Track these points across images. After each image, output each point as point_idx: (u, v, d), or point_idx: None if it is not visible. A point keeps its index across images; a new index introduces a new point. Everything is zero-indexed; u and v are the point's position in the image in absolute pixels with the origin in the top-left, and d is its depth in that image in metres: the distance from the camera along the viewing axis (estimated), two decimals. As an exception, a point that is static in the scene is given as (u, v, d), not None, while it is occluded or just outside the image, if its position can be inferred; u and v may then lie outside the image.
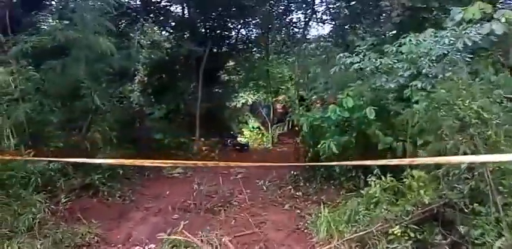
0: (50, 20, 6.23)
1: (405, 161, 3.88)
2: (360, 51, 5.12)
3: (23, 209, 4.51)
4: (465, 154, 4.66)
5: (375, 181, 5.04)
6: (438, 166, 5.11)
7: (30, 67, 6.10)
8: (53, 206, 5.00)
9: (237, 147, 12.62)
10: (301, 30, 13.77)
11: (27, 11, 7.12)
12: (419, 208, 4.60)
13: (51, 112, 6.49)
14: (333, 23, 13.40)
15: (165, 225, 5.41)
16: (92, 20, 6.26)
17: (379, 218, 4.53)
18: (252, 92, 15.61)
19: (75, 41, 6.21)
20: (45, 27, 6.00)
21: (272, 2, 13.97)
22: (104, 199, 6.38)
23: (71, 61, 6.47)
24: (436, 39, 4.67)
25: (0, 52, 6.05)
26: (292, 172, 8.57)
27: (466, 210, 4.49)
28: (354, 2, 11.56)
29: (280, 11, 14.40)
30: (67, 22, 6.62)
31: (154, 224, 5.50)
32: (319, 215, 5.40)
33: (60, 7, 6.32)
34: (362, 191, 5.43)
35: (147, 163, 3.67)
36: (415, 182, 4.66)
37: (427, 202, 4.57)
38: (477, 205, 4.45)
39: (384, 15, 10.12)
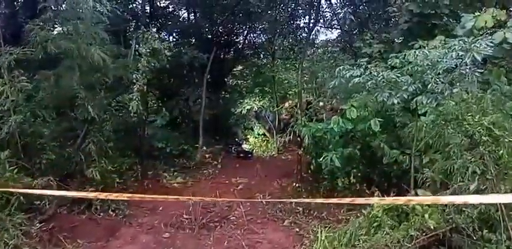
0: (43, 29, 6.02)
1: (401, 200, 3.53)
2: (361, 63, 4.80)
3: (-7, 237, 4.28)
4: (474, 173, 4.35)
5: (377, 202, 4.70)
6: (446, 186, 4.79)
7: (23, 77, 5.94)
8: (33, 227, 4.77)
9: (241, 155, 12.34)
10: (308, 35, 13.47)
11: (29, 19, 7.03)
12: (424, 233, 4.27)
13: (44, 124, 6.32)
14: (340, 28, 13.08)
15: (155, 246, 5.16)
16: (86, 29, 6.08)
17: (380, 244, 4.20)
18: (257, 98, 15.36)
19: (68, 51, 6.04)
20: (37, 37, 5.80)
21: (279, 7, 13.73)
22: (96, 213, 6.14)
23: (64, 72, 6.30)
24: (444, 50, 4.34)
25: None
26: (295, 184, 8.31)
27: (474, 236, 4.16)
28: (361, 7, 11.28)
29: (287, 15, 14.16)
30: (59, 31, 6.49)
31: (143, 245, 5.24)
32: (318, 235, 5.09)
33: (49, 17, 6.11)
34: (364, 211, 5.10)
35: (112, 197, 3.42)
36: (419, 205, 4.32)
37: (432, 227, 4.25)
38: (487, 231, 4.12)
39: (392, 21, 9.80)
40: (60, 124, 6.85)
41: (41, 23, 6.10)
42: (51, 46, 5.86)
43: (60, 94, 6.52)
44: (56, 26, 7.19)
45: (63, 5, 6.56)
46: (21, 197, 4.69)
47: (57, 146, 6.58)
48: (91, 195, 3.43)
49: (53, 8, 6.56)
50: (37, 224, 4.91)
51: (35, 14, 6.97)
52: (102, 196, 3.45)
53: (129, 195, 3.38)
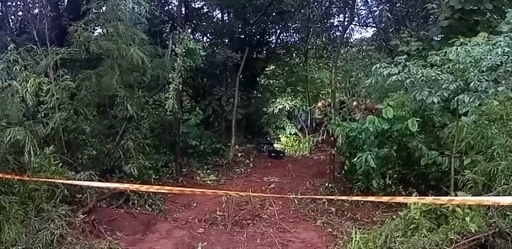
0: (85, 30, 6.30)
1: (442, 200, 3.41)
2: (400, 60, 4.68)
3: (42, 225, 4.53)
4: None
5: (414, 204, 4.57)
6: (489, 189, 4.59)
7: (66, 76, 6.25)
8: (77, 218, 5.01)
9: (273, 154, 12.34)
10: (342, 33, 13.29)
11: (72, 21, 7.39)
12: (464, 237, 4.11)
13: (86, 121, 6.60)
14: (376, 26, 12.80)
15: (190, 240, 5.28)
16: (125, 30, 6.30)
17: (418, 246, 4.08)
18: (289, 98, 15.33)
19: (108, 51, 6.30)
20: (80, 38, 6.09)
21: (312, 6, 13.63)
22: (134, 208, 6.36)
23: (105, 71, 6.58)
24: (489, 47, 4.15)
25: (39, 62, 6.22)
26: (327, 184, 8.21)
27: (520, 242, 3.96)
28: (398, 5, 10.98)
29: (321, 14, 14.03)
30: (100, 32, 6.78)
31: (178, 239, 5.36)
32: (352, 236, 5.01)
33: (91, 18, 6.39)
34: (400, 213, 4.97)
35: (152, 189, 3.54)
36: (459, 208, 4.16)
37: (473, 230, 4.09)
38: (534, 236, 3.92)
39: (430, 18, 9.48)
40: (101, 122, 7.14)
41: (84, 25, 6.37)
42: (93, 46, 6.15)
43: (101, 92, 6.81)
44: (97, 27, 7.51)
45: (104, 7, 6.84)
46: (65, 190, 4.95)
47: (97, 143, 6.87)
48: (133, 187, 3.57)
49: (95, 10, 6.86)
50: (80, 215, 5.17)
51: (78, 16, 7.33)
52: (144, 188, 3.58)
53: (169, 188, 3.48)
